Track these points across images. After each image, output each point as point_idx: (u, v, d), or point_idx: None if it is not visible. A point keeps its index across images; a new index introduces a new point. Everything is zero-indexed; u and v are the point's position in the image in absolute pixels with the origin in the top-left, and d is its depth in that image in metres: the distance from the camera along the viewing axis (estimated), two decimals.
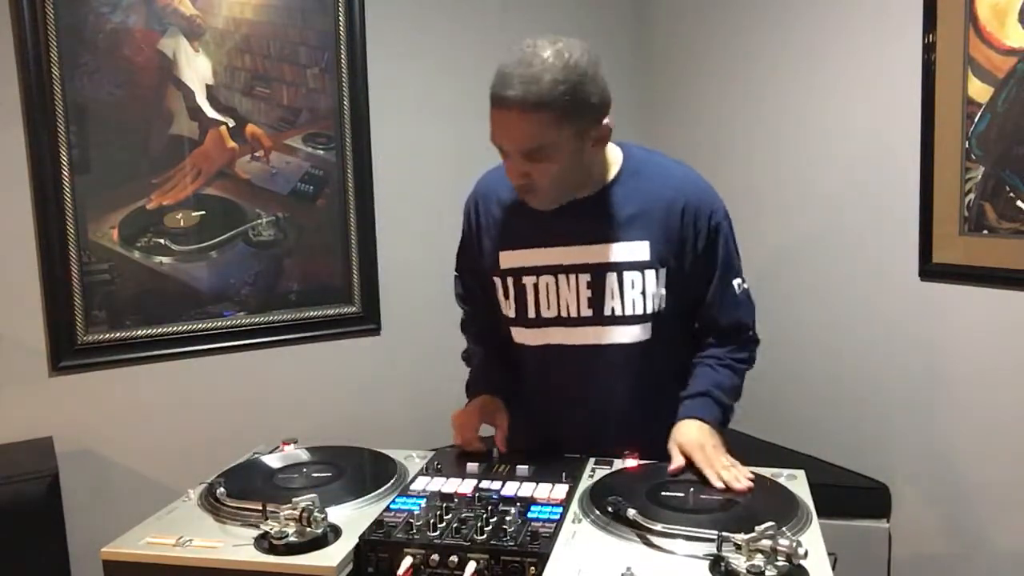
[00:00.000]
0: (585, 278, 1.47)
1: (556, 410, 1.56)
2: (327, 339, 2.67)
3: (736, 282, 1.54)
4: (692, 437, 1.42)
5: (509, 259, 1.53)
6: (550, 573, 1.09)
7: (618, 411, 1.53)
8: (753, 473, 1.37)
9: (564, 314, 1.50)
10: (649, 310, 1.47)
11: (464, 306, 1.72)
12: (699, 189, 1.53)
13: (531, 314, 1.52)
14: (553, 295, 1.50)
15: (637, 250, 1.46)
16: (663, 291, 1.47)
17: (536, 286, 1.50)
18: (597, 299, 1.47)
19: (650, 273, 1.46)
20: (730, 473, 1.34)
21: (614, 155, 1.51)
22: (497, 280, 1.55)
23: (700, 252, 1.49)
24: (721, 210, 1.53)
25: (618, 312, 1.47)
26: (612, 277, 1.46)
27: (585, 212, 1.47)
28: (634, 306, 1.47)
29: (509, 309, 1.54)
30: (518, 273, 1.52)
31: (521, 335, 1.56)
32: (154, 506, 1.31)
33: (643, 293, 1.46)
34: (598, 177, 1.48)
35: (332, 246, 2.67)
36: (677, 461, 1.40)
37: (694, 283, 1.51)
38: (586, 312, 1.48)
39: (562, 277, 1.48)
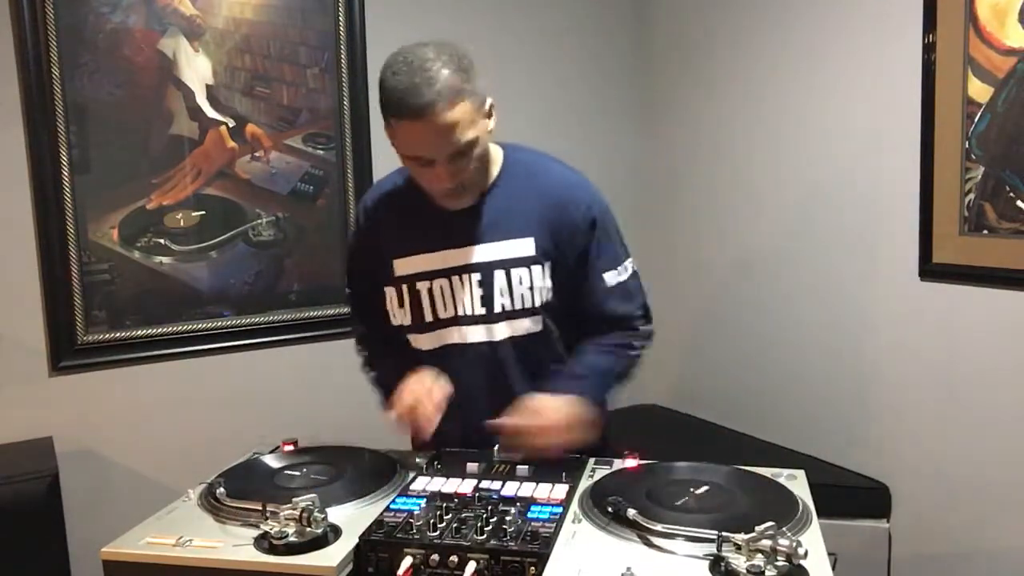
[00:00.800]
0: (476, 277, 1.52)
1: (455, 408, 1.54)
2: (327, 339, 2.67)
3: (608, 275, 1.56)
4: (549, 405, 1.45)
5: (403, 266, 1.56)
6: (550, 573, 1.09)
7: (510, 403, 1.53)
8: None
9: (460, 313, 1.54)
10: (538, 303, 1.52)
11: (359, 317, 1.73)
12: (575, 184, 1.57)
13: (428, 318, 1.56)
14: (448, 297, 1.54)
15: (522, 247, 1.51)
16: (549, 283, 1.53)
17: (431, 290, 1.54)
18: (487, 297, 1.52)
19: (536, 268, 1.52)
20: (528, 441, 1.39)
21: (495, 154, 1.56)
22: (390, 290, 1.58)
23: (579, 244, 1.53)
24: (597, 204, 1.56)
25: (508, 307, 1.52)
26: (500, 275, 1.51)
27: (471, 213, 1.52)
28: (523, 300, 1.52)
29: (404, 317, 1.58)
30: (412, 279, 1.56)
31: (418, 340, 1.59)
32: (154, 506, 1.31)
33: (531, 288, 1.52)
34: (482, 178, 1.53)
35: (332, 246, 2.67)
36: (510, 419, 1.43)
37: (576, 274, 1.55)
38: (480, 310, 1.53)
39: (455, 278, 1.53)
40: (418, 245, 1.55)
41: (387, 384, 1.62)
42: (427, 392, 1.48)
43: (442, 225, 1.52)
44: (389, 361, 1.67)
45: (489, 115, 1.45)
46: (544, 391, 1.49)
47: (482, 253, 1.52)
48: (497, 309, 1.52)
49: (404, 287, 1.56)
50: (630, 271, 1.59)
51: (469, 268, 1.52)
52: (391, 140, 1.43)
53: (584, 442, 1.45)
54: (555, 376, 1.54)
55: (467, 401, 1.54)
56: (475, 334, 1.54)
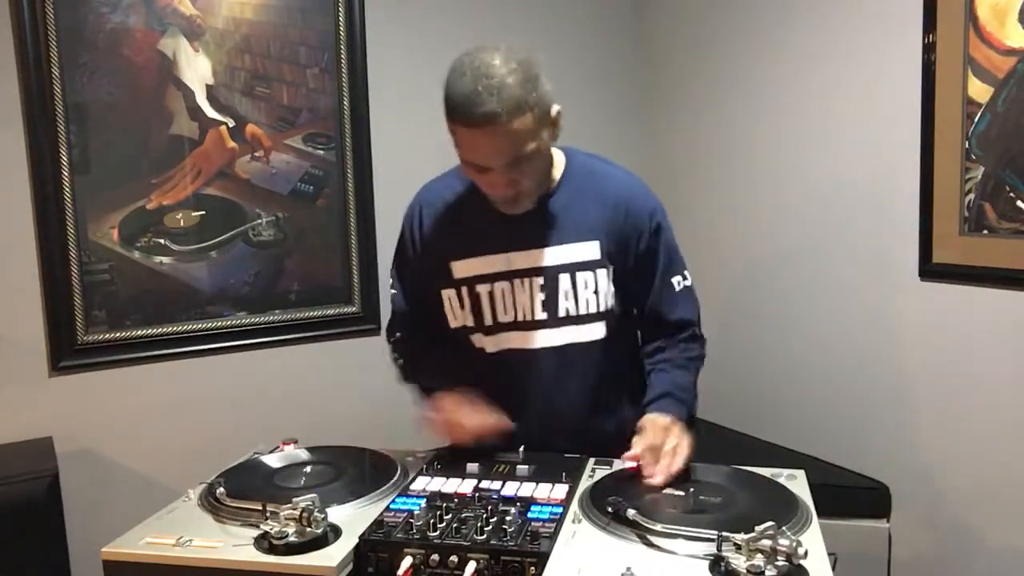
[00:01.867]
0: (538, 281, 1.50)
1: (516, 413, 1.54)
2: (327, 339, 2.67)
3: (676, 279, 1.57)
4: (653, 423, 1.43)
5: (462, 269, 1.54)
6: (550, 573, 1.09)
7: (576, 409, 1.55)
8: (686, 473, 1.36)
9: (521, 318, 1.52)
10: (603, 308, 1.51)
11: (401, 328, 1.67)
12: (639, 189, 1.56)
13: (488, 321, 1.54)
14: (509, 300, 1.52)
15: (587, 250, 1.50)
16: (613, 288, 1.51)
17: (491, 293, 1.52)
18: (551, 301, 1.50)
19: (601, 272, 1.50)
20: (656, 464, 1.34)
21: (557, 156, 1.55)
22: (448, 292, 1.55)
23: (642, 251, 1.53)
24: (660, 210, 1.56)
25: (572, 312, 1.50)
26: (565, 278, 1.50)
27: (533, 216, 1.50)
28: (588, 305, 1.50)
29: (466, 318, 1.56)
30: (472, 282, 1.53)
31: (480, 342, 1.57)
32: (154, 506, 1.31)
33: (596, 292, 1.50)
34: (547, 177, 1.51)
35: (332, 246, 2.67)
36: (634, 449, 1.39)
37: (637, 281, 1.54)
38: (541, 315, 1.51)
39: (516, 282, 1.51)
40: (477, 247, 1.52)
41: (432, 387, 1.58)
42: (468, 403, 1.48)
43: (503, 227, 1.50)
44: (433, 364, 1.63)
45: (554, 124, 1.43)
46: (634, 409, 1.50)
47: (546, 256, 1.49)
48: (561, 313, 1.50)
49: (464, 289, 1.54)
50: (689, 279, 1.60)
51: (532, 272, 1.50)
52: (453, 141, 1.41)
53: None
54: (656, 397, 1.50)
55: (526, 407, 1.53)
56: (536, 339, 1.52)
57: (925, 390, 2.25)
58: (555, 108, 1.42)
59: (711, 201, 2.90)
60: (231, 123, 2.49)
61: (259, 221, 2.56)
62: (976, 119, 2.05)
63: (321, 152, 2.62)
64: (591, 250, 1.49)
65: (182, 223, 2.45)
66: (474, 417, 1.49)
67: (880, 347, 2.36)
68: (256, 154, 2.53)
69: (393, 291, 1.69)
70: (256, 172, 2.54)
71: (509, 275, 1.51)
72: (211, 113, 2.46)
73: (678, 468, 1.35)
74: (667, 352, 1.58)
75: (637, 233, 1.52)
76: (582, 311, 1.50)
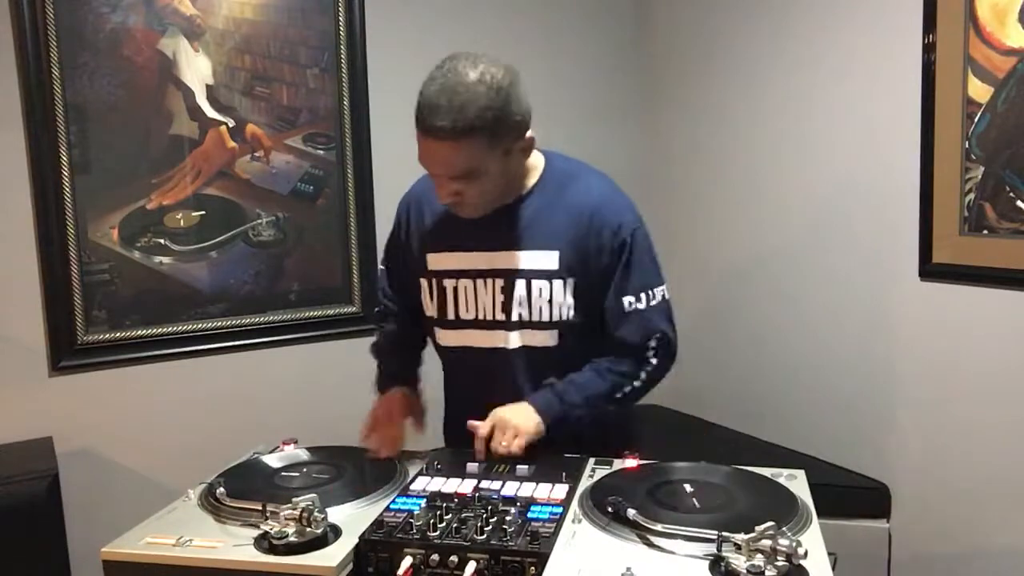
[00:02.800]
0: (499, 283, 1.53)
1: (468, 409, 1.56)
2: (327, 339, 2.67)
3: (628, 299, 1.51)
4: (505, 411, 1.48)
5: (435, 261, 1.58)
6: (550, 573, 1.09)
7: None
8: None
9: (481, 317, 1.55)
10: (556, 318, 1.51)
11: (387, 301, 1.76)
12: (610, 203, 1.52)
13: (451, 316, 1.57)
14: (472, 298, 1.55)
15: (546, 259, 1.50)
16: (571, 300, 1.50)
17: (456, 289, 1.56)
18: (507, 304, 1.52)
19: (558, 283, 1.50)
20: (495, 445, 1.43)
21: (536, 162, 1.55)
22: (423, 281, 1.60)
23: (603, 266, 1.51)
24: (628, 225, 1.51)
25: (525, 318, 1.52)
26: (521, 284, 1.51)
27: (502, 219, 1.52)
28: (540, 313, 1.51)
29: (431, 309, 1.60)
30: (440, 275, 1.57)
31: (441, 335, 1.62)
32: (154, 506, 1.31)
33: (550, 302, 1.50)
34: (518, 184, 1.53)
35: (332, 246, 2.67)
36: (482, 426, 1.47)
37: (599, 295, 1.52)
38: (500, 316, 1.53)
39: (480, 281, 1.54)
40: (450, 243, 1.56)
41: (381, 374, 1.72)
42: (388, 418, 1.59)
43: (475, 227, 1.52)
44: (392, 352, 1.73)
45: (524, 148, 1.44)
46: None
47: (507, 260, 1.52)
48: (514, 317, 1.52)
49: (433, 281, 1.58)
50: (657, 299, 1.52)
51: (494, 273, 1.53)
52: None
53: (521, 449, 1.44)
54: (543, 385, 1.53)
55: (475, 403, 1.54)
56: (492, 339, 1.55)
57: (925, 390, 2.25)
58: (528, 133, 1.43)
59: (711, 201, 2.90)
60: (231, 123, 2.49)
61: (259, 221, 2.56)
62: (976, 119, 2.05)
63: (321, 152, 2.62)
64: (549, 259, 1.50)
65: (182, 223, 2.45)
66: (382, 433, 1.58)
67: (880, 347, 2.36)
68: (256, 154, 2.53)
69: (381, 267, 1.78)
70: (256, 172, 2.54)
71: (474, 274, 1.54)
72: (211, 113, 2.46)
73: (507, 447, 1.43)
74: (601, 360, 1.54)
75: (598, 247, 1.49)
76: (535, 318, 1.52)
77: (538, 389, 1.53)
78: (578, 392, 1.51)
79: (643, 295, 1.51)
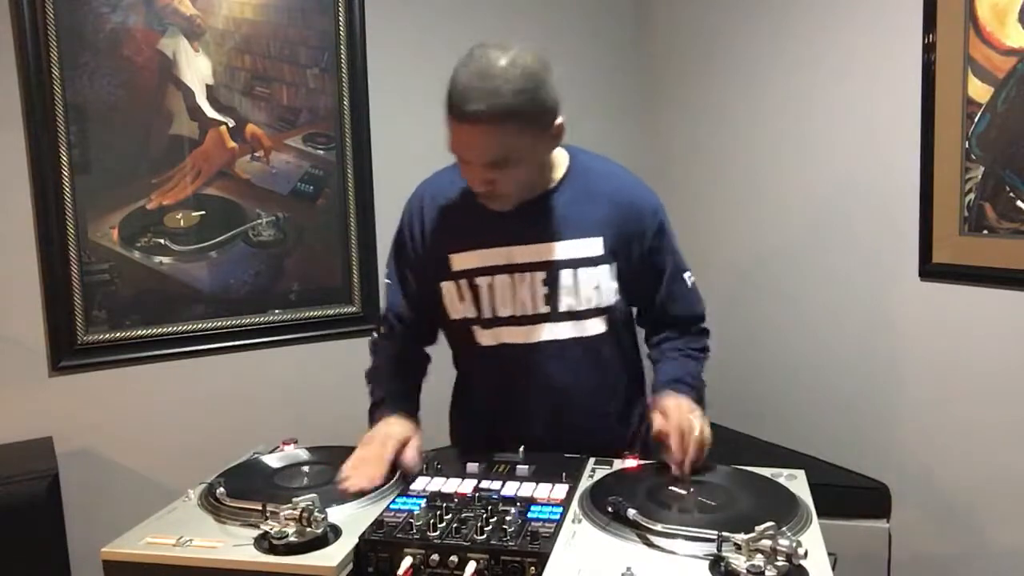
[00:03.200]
0: (540, 276, 1.50)
1: (513, 409, 1.55)
2: (327, 339, 2.67)
3: (686, 275, 1.60)
4: (676, 403, 1.45)
5: (461, 261, 1.53)
6: (550, 573, 1.09)
7: (574, 405, 1.56)
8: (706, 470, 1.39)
9: (520, 313, 1.52)
10: (605, 304, 1.51)
11: (395, 320, 1.65)
12: (641, 189, 1.58)
13: (487, 314, 1.53)
14: (509, 294, 1.51)
15: (591, 246, 1.50)
16: (615, 284, 1.52)
17: (491, 286, 1.52)
18: (553, 296, 1.50)
19: (604, 268, 1.50)
20: (684, 448, 1.37)
21: (560, 155, 1.55)
22: (448, 285, 1.55)
23: (646, 249, 1.53)
24: (662, 209, 1.57)
25: (575, 307, 1.51)
26: (567, 273, 1.49)
27: (536, 211, 1.50)
28: (590, 301, 1.51)
29: (463, 311, 1.55)
30: (471, 274, 1.53)
31: (480, 335, 1.56)
32: (154, 506, 1.31)
33: (597, 288, 1.50)
34: (546, 177, 1.52)
35: (332, 246, 2.67)
36: (657, 422, 1.43)
37: (640, 278, 1.55)
38: (543, 309, 1.51)
39: (517, 276, 1.51)
40: (477, 241, 1.52)
41: (375, 403, 1.61)
42: (376, 457, 1.40)
43: (504, 222, 1.48)
44: (389, 380, 1.62)
45: (555, 135, 1.42)
46: (623, 399, 1.54)
47: (548, 251, 1.49)
48: (563, 308, 1.50)
49: (463, 282, 1.53)
50: (693, 275, 1.63)
51: (534, 266, 1.50)
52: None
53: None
54: (669, 380, 1.53)
55: (502, 402, 1.53)
56: (535, 333, 1.52)
57: (925, 390, 2.25)
58: (558, 119, 1.41)
59: (711, 201, 2.90)
60: (231, 123, 2.49)
61: (259, 221, 2.56)
62: (976, 119, 2.05)
63: (321, 152, 2.62)
64: (594, 246, 1.49)
65: (182, 223, 2.45)
66: (364, 474, 1.39)
67: (880, 347, 2.36)
68: (256, 154, 2.53)
69: (387, 281, 1.68)
70: (256, 172, 2.54)
71: (510, 269, 1.50)
72: (211, 113, 2.46)
73: (701, 453, 1.39)
74: (676, 342, 1.60)
75: (640, 231, 1.52)
76: (584, 306, 1.50)
77: (592, 381, 1.54)
78: (698, 380, 1.57)
79: (690, 270, 1.61)
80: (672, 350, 1.60)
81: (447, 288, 1.55)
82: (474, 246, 1.52)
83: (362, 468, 1.38)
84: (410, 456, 1.44)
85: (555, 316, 1.50)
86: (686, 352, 1.59)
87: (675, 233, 1.60)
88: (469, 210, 1.51)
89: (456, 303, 1.55)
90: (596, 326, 1.52)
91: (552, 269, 1.49)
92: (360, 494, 1.32)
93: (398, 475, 1.42)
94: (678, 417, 1.41)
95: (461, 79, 1.33)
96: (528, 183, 1.46)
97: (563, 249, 1.49)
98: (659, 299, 1.58)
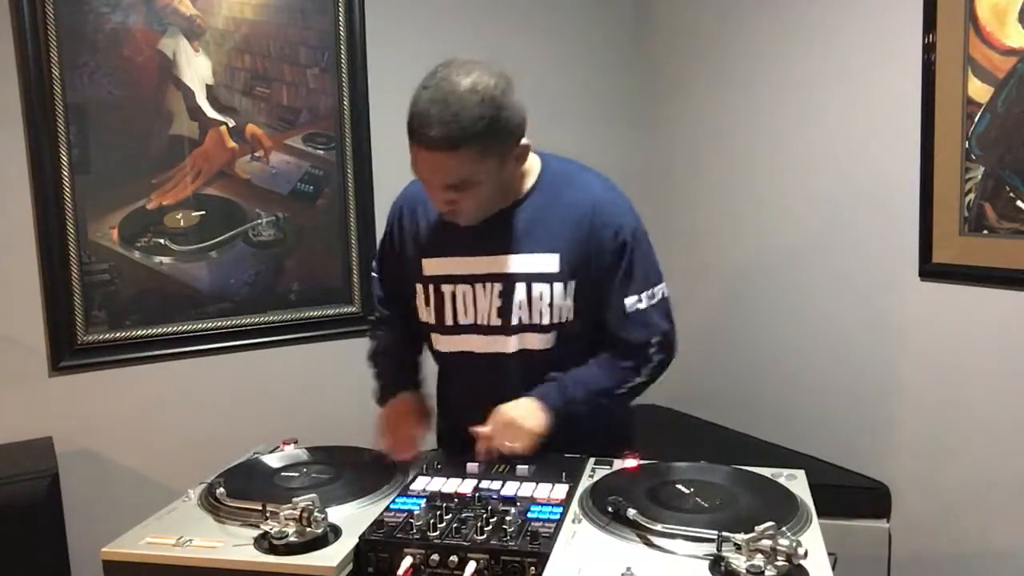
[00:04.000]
0: (497, 287, 1.51)
1: (468, 415, 1.55)
2: (327, 339, 2.67)
3: (629, 300, 1.51)
4: (508, 408, 1.48)
5: (431, 267, 1.57)
6: (550, 573, 1.09)
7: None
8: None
9: (480, 322, 1.53)
10: (555, 320, 1.51)
11: (382, 308, 1.74)
12: (608, 204, 1.52)
13: (448, 321, 1.56)
14: (470, 303, 1.53)
15: (546, 262, 1.49)
16: (570, 303, 1.50)
17: (454, 294, 1.54)
18: (506, 308, 1.51)
19: (558, 286, 1.49)
20: (493, 444, 1.43)
21: (532, 165, 1.54)
22: (419, 286, 1.58)
23: (604, 266, 1.51)
24: (628, 226, 1.51)
25: (525, 321, 1.51)
26: (521, 288, 1.50)
27: (500, 224, 1.50)
28: (541, 316, 1.50)
29: (428, 315, 1.58)
30: (438, 281, 1.56)
31: (438, 341, 1.60)
32: (154, 506, 1.31)
33: (551, 305, 1.50)
34: (515, 189, 1.52)
35: (332, 246, 2.67)
36: (485, 427, 1.47)
37: (599, 295, 1.52)
38: (496, 321, 1.52)
39: (478, 286, 1.52)
40: (447, 248, 1.54)
41: (383, 384, 1.69)
42: (401, 419, 1.58)
43: (472, 231, 1.50)
44: (392, 360, 1.70)
45: (518, 157, 1.43)
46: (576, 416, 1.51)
47: (506, 264, 1.50)
48: (514, 321, 1.51)
49: (430, 287, 1.56)
50: (658, 298, 1.53)
51: (492, 277, 1.51)
52: None
53: (528, 447, 1.45)
54: (547, 379, 1.53)
55: (472, 408, 1.53)
56: (489, 344, 1.54)
57: (925, 390, 2.25)
58: (523, 141, 1.42)
59: (711, 201, 2.90)
60: (231, 123, 2.49)
61: (259, 221, 2.56)
62: (976, 119, 2.05)
63: (321, 152, 2.62)
64: (550, 263, 1.49)
65: (182, 223, 2.45)
66: (398, 435, 1.56)
67: (880, 347, 2.36)
68: (256, 154, 2.53)
69: (374, 275, 1.75)
70: (256, 172, 2.54)
71: (472, 279, 1.53)
72: (211, 113, 2.46)
73: (512, 446, 1.43)
74: (602, 355, 1.56)
75: (599, 249, 1.49)
76: (535, 321, 1.50)
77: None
78: (582, 387, 1.51)
79: (644, 295, 1.52)
80: (592, 360, 1.55)
81: (419, 289, 1.59)
82: (443, 253, 1.55)
83: (397, 436, 1.54)
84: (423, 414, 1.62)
85: (507, 329, 1.52)
86: (600, 362, 1.54)
87: (645, 252, 1.53)
88: (440, 218, 1.54)
89: (423, 306, 1.59)
90: (544, 341, 1.52)
91: (507, 282, 1.51)
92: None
93: (399, 473, 1.42)
94: (508, 409, 1.48)
95: (421, 103, 1.34)
96: (490, 201, 1.47)
97: (519, 263, 1.50)
98: (605, 317, 1.54)
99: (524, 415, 1.47)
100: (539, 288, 1.49)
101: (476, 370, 1.57)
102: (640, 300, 1.51)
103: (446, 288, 1.55)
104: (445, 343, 1.59)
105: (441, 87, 1.34)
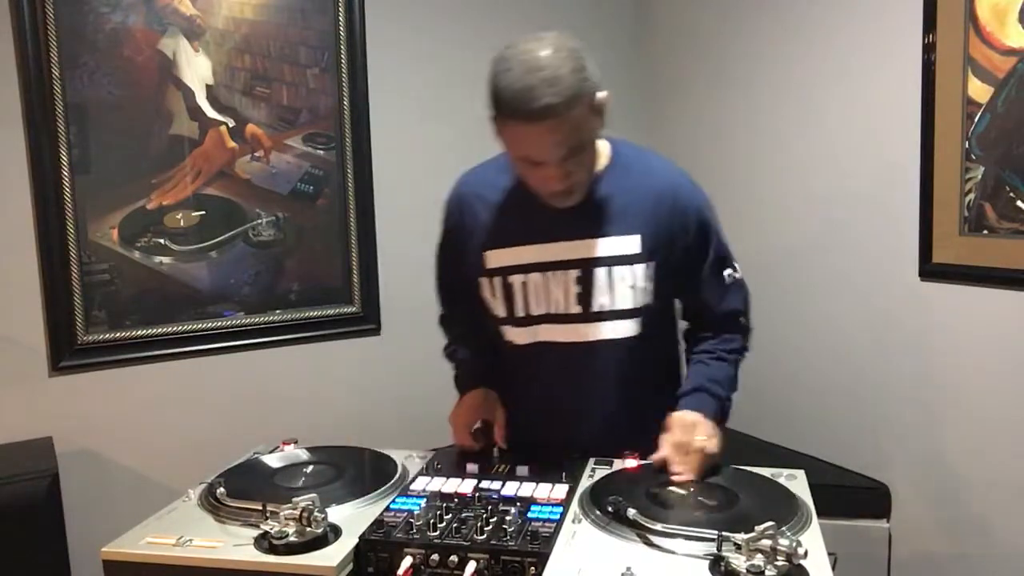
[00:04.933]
0: (574, 274, 1.46)
1: (545, 408, 1.54)
2: (327, 339, 2.67)
3: (727, 272, 1.55)
4: (680, 420, 1.42)
5: (495, 258, 1.51)
6: (550, 573, 1.09)
7: (607, 408, 1.53)
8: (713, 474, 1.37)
9: (554, 311, 1.48)
10: (639, 304, 1.47)
11: (445, 307, 1.72)
12: (685, 183, 1.53)
13: (520, 312, 1.51)
14: (542, 292, 1.48)
15: (627, 244, 1.45)
16: (652, 285, 1.47)
17: (525, 284, 1.49)
18: (586, 295, 1.46)
19: (639, 267, 1.46)
20: (684, 462, 1.35)
21: (602, 148, 1.50)
22: (484, 280, 1.53)
23: (690, 245, 1.49)
24: (706, 202, 1.54)
25: (607, 307, 1.46)
26: (601, 272, 1.45)
27: (573, 207, 1.45)
28: (624, 300, 1.46)
29: (499, 308, 1.53)
30: (505, 272, 1.50)
31: (511, 333, 1.54)
32: (154, 506, 1.31)
33: (632, 287, 1.46)
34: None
35: (332, 246, 2.67)
36: (661, 451, 1.39)
37: (683, 276, 1.51)
38: (575, 308, 1.47)
39: (550, 274, 1.47)
40: (512, 237, 1.49)
41: (463, 382, 1.65)
42: (464, 427, 1.56)
43: (540, 218, 1.45)
44: (469, 357, 1.67)
45: (601, 112, 1.39)
46: (661, 406, 1.47)
47: (583, 249, 1.46)
48: (595, 308, 1.46)
49: (497, 280, 1.51)
50: (739, 271, 1.57)
51: (567, 264, 1.46)
52: (497, 136, 1.37)
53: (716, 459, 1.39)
54: (688, 391, 1.50)
55: (546, 402, 1.52)
56: (567, 333, 1.48)
57: (925, 390, 2.25)
58: (601, 95, 1.38)
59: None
60: (231, 123, 2.49)
61: (259, 221, 2.56)
62: (976, 119, 2.05)
63: (321, 152, 2.62)
64: (631, 244, 1.45)
65: (182, 223, 2.45)
66: (465, 431, 1.56)
67: (880, 347, 2.36)
68: (256, 154, 2.53)
69: (438, 280, 1.72)
70: (256, 172, 2.54)
71: (543, 267, 1.47)
72: (211, 113, 2.46)
73: (703, 465, 1.35)
74: (708, 343, 1.56)
75: (683, 227, 1.47)
76: (618, 306, 1.46)
77: (624, 384, 1.51)
78: (724, 386, 1.51)
79: (735, 266, 1.56)
80: (702, 352, 1.55)
81: (484, 284, 1.54)
82: (508, 243, 1.50)
83: (463, 437, 1.55)
84: (499, 425, 1.57)
85: (587, 316, 1.47)
86: (716, 355, 1.54)
87: (721, 229, 1.55)
88: (504, 206, 1.50)
89: (491, 299, 1.54)
90: (630, 327, 1.47)
91: (586, 267, 1.46)
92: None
93: (399, 473, 1.42)
94: (678, 434, 1.39)
95: (512, 82, 1.28)
96: (593, 168, 1.44)
97: (598, 247, 1.45)
98: (696, 297, 1.54)
99: (705, 440, 1.38)
100: (621, 271, 1.45)
101: (552, 362, 1.51)
102: (735, 271, 1.56)
103: (514, 279, 1.49)
104: (518, 335, 1.53)
105: (525, 61, 1.29)
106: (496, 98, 1.31)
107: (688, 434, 1.38)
